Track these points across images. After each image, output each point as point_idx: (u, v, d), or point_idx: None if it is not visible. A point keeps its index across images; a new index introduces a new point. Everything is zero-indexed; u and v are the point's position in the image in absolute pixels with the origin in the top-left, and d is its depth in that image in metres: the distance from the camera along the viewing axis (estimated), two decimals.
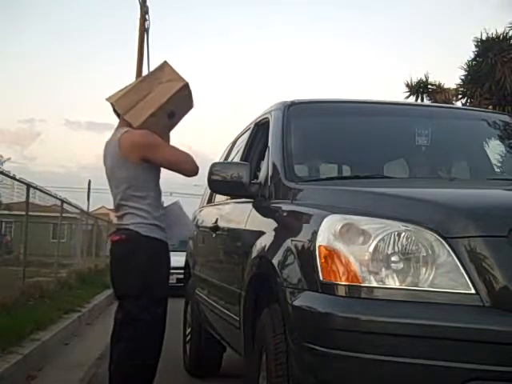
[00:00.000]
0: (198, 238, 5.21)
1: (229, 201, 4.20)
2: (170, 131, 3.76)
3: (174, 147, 3.65)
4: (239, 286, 3.26)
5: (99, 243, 19.16)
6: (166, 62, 3.68)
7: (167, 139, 3.73)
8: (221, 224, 4.22)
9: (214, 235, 4.35)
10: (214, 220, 4.40)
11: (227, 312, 3.69)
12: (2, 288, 7.04)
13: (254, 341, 2.98)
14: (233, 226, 3.96)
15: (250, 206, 3.50)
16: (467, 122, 4.03)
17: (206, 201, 5.42)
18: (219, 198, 4.69)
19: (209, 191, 5.03)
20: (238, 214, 3.76)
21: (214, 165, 3.45)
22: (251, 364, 2.97)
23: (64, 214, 11.82)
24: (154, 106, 3.57)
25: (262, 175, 3.55)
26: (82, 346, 6.54)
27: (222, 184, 3.41)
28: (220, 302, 4.02)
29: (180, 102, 3.66)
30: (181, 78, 3.65)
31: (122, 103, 3.61)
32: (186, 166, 3.56)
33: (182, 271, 5.89)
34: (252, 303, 3.05)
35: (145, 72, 18.95)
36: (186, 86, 3.65)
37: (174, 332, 5.55)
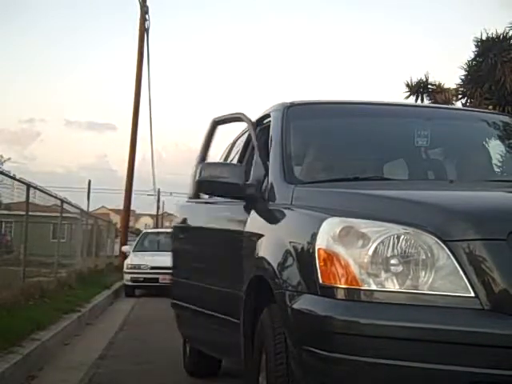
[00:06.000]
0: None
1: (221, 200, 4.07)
2: None
3: None
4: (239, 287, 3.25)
5: (99, 243, 19.15)
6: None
7: None
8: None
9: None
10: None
11: None
12: (2, 288, 7.04)
13: (253, 341, 2.98)
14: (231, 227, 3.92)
15: (249, 207, 3.48)
16: (467, 123, 4.01)
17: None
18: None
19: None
20: (237, 216, 3.74)
21: (205, 165, 3.43)
22: (251, 364, 2.98)
23: (64, 214, 11.82)
24: None
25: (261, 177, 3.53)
26: (81, 346, 6.53)
27: (215, 185, 3.37)
28: None
29: None
30: None
31: None
32: None
33: None
34: (252, 304, 3.05)
35: (144, 72, 18.92)
36: None
37: (173, 332, 5.56)
